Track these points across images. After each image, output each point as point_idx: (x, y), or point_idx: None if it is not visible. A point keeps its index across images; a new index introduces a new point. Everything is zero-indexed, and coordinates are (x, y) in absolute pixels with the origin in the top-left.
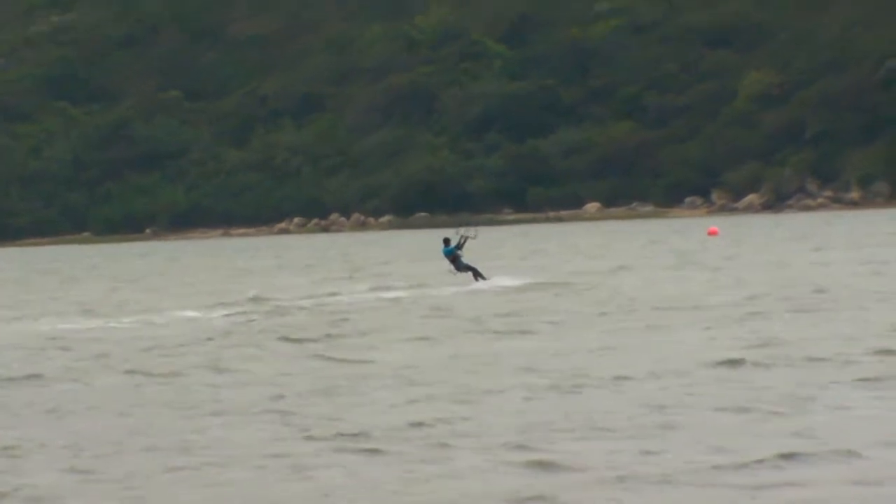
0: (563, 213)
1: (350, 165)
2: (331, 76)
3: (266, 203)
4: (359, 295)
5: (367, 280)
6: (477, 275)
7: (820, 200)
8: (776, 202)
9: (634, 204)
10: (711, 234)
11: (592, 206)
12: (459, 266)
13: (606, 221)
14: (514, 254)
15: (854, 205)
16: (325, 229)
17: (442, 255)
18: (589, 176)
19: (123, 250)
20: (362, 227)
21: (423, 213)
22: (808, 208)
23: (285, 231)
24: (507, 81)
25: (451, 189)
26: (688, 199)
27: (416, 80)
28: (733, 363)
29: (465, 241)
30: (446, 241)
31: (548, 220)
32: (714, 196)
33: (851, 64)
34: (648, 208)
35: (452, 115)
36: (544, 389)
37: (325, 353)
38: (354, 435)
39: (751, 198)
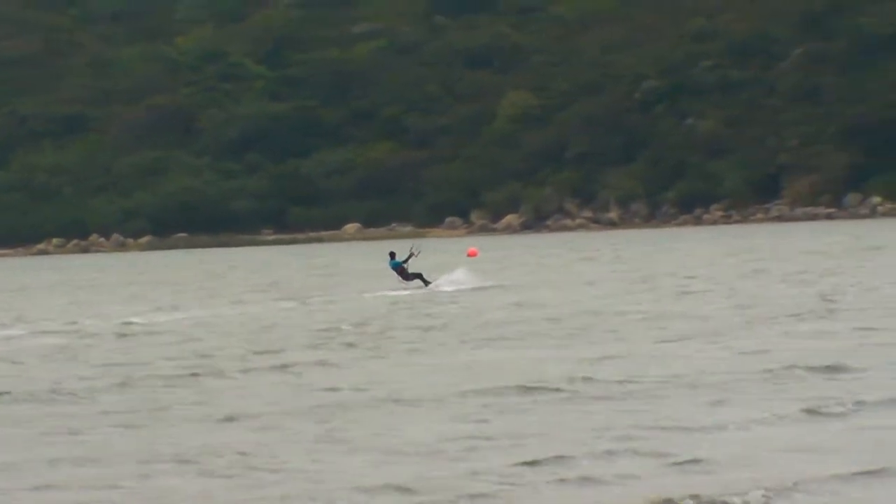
0: (324, 233)
1: (111, 186)
2: (92, 97)
3: (25, 223)
4: None
5: None
6: (424, 281)
7: (579, 220)
8: (535, 222)
9: (394, 224)
10: (471, 255)
11: (352, 227)
12: (407, 276)
13: (366, 242)
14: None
15: (613, 225)
16: (85, 250)
17: (389, 268)
18: (350, 196)
19: None
20: (122, 247)
21: (182, 234)
22: (566, 228)
23: (44, 252)
24: (268, 102)
25: (212, 209)
26: (447, 220)
27: (177, 101)
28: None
29: (410, 256)
30: (392, 255)
31: (308, 240)
32: (473, 216)
33: (610, 85)
34: (408, 228)
35: (213, 136)
36: None
37: None
38: None
39: (509, 218)
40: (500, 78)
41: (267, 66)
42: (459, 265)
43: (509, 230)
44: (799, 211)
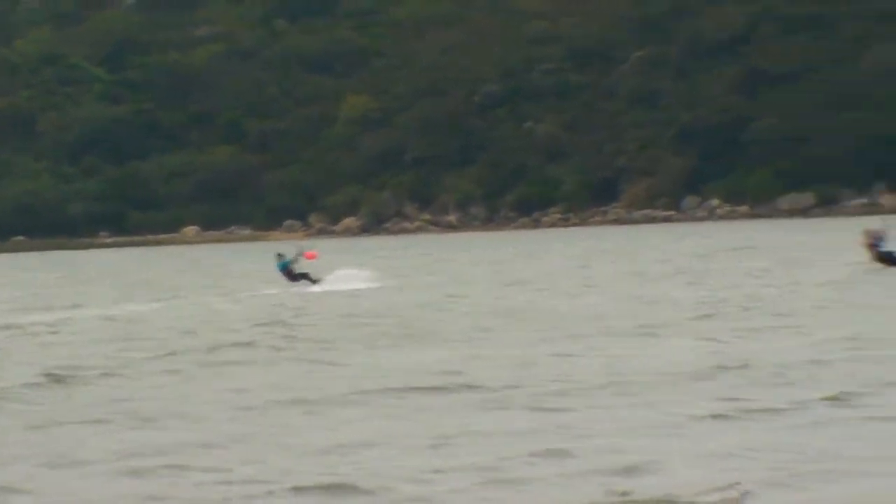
0: (162, 236)
1: None
2: None
3: None
4: None
5: None
6: (311, 280)
7: (418, 223)
8: (374, 225)
9: (233, 227)
10: (308, 258)
11: (190, 230)
12: (295, 277)
13: (205, 245)
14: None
15: (452, 228)
16: None
17: (277, 269)
18: (189, 200)
19: None
20: None
21: (21, 237)
22: (405, 231)
23: None
24: (107, 105)
25: (51, 212)
26: (286, 223)
27: (15, 104)
28: None
29: (298, 256)
30: (280, 256)
31: (146, 243)
32: (312, 219)
33: (449, 89)
34: (247, 232)
35: (51, 139)
36: None
37: None
38: None
39: (348, 221)
40: (339, 82)
41: (106, 69)
42: (342, 265)
43: (348, 233)
44: (637, 214)
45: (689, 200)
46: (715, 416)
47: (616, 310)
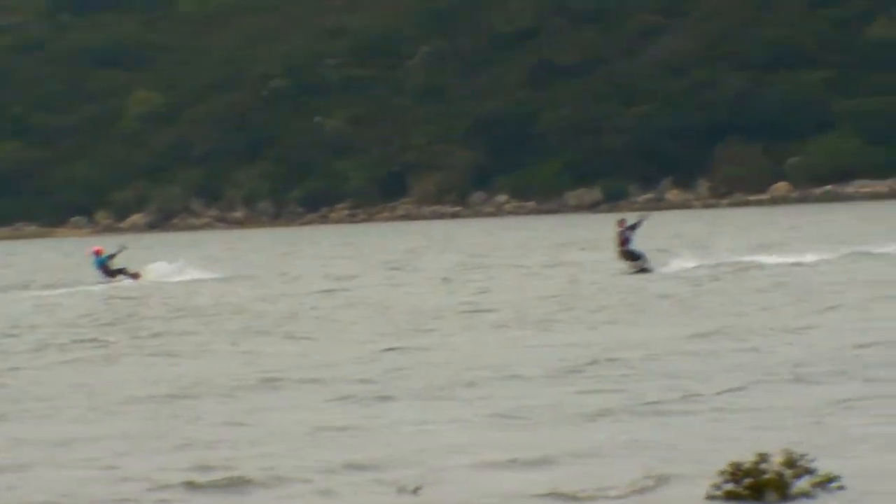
0: None
1: None
2: None
3: None
4: None
5: None
6: (128, 275)
7: (205, 219)
8: (161, 221)
9: (19, 224)
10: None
11: None
12: (112, 273)
13: None
14: None
15: (239, 224)
16: None
17: (94, 265)
18: None
19: None
20: None
21: None
22: (193, 227)
23: None
24: None
25: None
26: (73, 219)
27: None
28: None
29: (119, 252)
30: (97, 252)
31: None
32: (98, 216)
33: (237, 83)
34: (32, 228)
35: None
36: None
37: None
38: None
39: (135, 217)
40: (127, 76)
41: None
42: (157, 259)
43: (135, 229)
44: (426, 209)
45: (477, 196)
46: None
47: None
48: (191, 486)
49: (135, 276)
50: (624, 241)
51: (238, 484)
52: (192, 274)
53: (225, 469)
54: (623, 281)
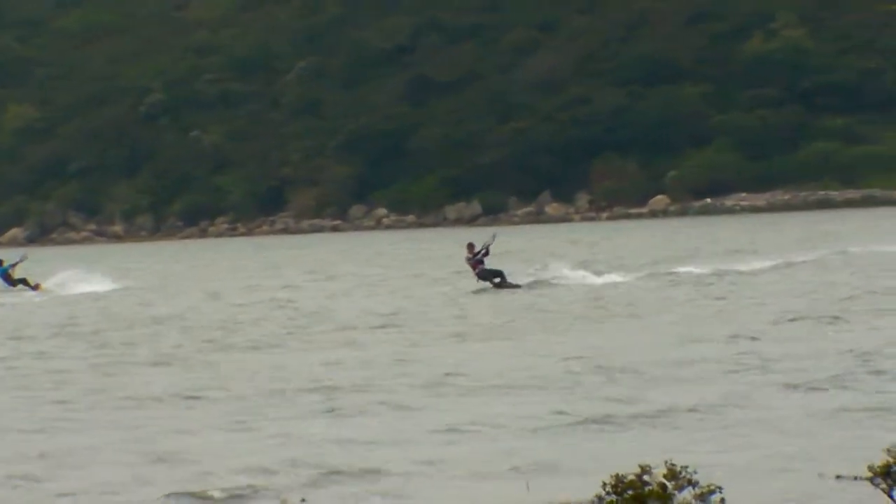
0: None
1: None
2: None
3: None
4: None
5: None
6: (29, 285)
7: (84, 234)
8: (40, 235)
9: None
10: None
11: None
12: (13, 282)
13: None
14: None
15: (118, 238)
16: None
17: None
18: None
19: None
20: None
21: None
22: (71, 241)
23: None
24: None
25: None
26: None
27: None
28: None
29: (18, 262)
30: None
31: None
32: None
33: (114, 98)
34: None
35: None
36: None
37: None
38: None
39: (14, 231)
40: (2, 91)
41: None
42: (60, 270)
43: (14, 243)
44: (305, 223)
45: (356, 210)
46: None
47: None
48: None
49: (36, 286)
50: (475, 265)
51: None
52: (99, 284)
53: None
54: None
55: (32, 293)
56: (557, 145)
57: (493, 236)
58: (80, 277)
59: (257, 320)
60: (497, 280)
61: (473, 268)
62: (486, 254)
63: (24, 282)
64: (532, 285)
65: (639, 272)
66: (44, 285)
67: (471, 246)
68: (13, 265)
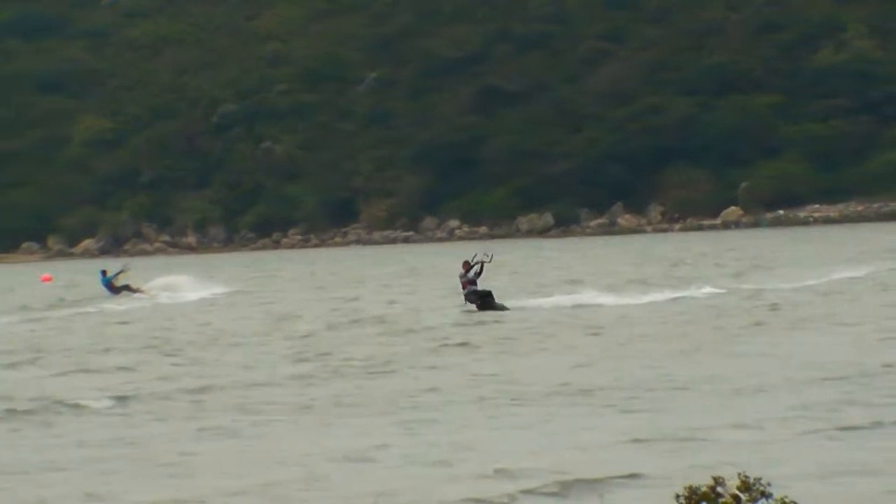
0: None
1: None
2: None
3: None
4: None
5: None
6: (132, 291)
7: (157, 245)
8: (113, 247)
9: None
10: (45, 280)
11: None
12: (117, 290)
13: None
14: None
15: (191, 249)
16: None
17: (101, 284)
18: None
19: None
20: None
21: None
22: (145, 252)
23: None
24: None
25: None
26: (24, 245)
27: None
28: None
29: (119, 272)
30: (103, 272)
31: None
32: (50, 241)
33: (184, 109)
34: None
35: None
36: None
37: None
38: None
39: (87, 242)
40: (73, 102)
41: None
42: (163, 273)
43: (87, 254)
44: (377, 234)
45: (428, 221)
46: None
47: None
48: None
49: (138, 290)
50: (465, 284)
51: None
52: (208, 290)
53: None
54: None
55: (138, 296)
56: (627, 155)
57: (490, 256)
58: (186, 284)
59: (461, 324)
60: (479, 303)
61: (464, 287)
62: (479, 273)
63: (127, 288)
64: (520, 308)
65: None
66: (146, 290)
67: (466, 264)
68: (116, 275)
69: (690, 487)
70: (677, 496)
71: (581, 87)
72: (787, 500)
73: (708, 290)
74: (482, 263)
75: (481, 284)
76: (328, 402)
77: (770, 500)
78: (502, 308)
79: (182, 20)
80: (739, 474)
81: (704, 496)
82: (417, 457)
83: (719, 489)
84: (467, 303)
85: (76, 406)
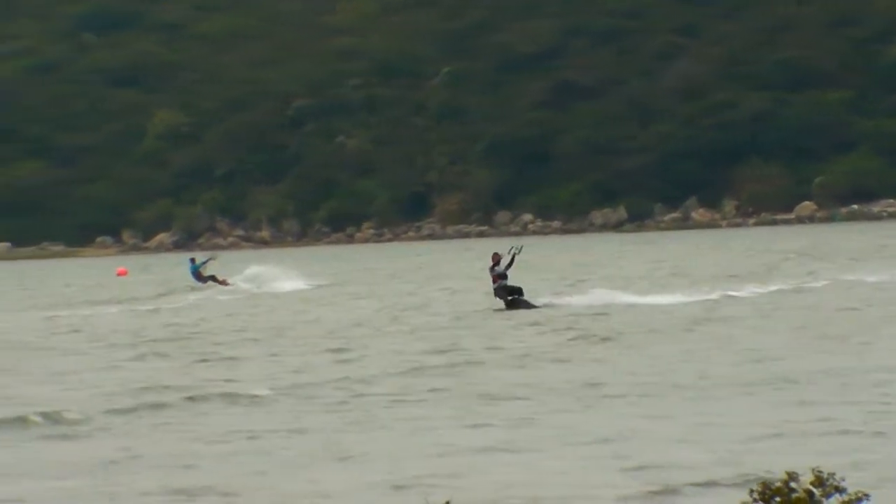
0: None
1: None
2: None
3: None
4: None
5: None
6: (218, 281)
7: (231, 239)
8: (187, 241)
9: (44, 243)
10: (121, 274)
11: (2, 246)
12: (204, 279)
13: (16, 262)
14: None
15: (265, 243)
16: None
17: (189, 272)
18: None
19: None
20: None
21: None
22: (219, 247)
23: None
24: None
25: None
26: (99, 239)
27: None
28: None
29: (208, 261)
30: (192, 260)
31: None
32: (124, 235)
33: (258, 103)
34: (59, 247)
35: None
36: None
37: None
38: None
39: (161, 236)
40: (147, 96)
41: None
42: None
43: (161, 248)
44: (451, 229)
45: (502, 215)
46: None
47: None
48: None
49: (223, 282)
50: (496, 278)
51: None
52: (293, 282)
53: None
54: None
55: (224, 288)
56: (700, 150)
57: (520, 247)
58: (273, 275)
59: (598, 316)
60: (510, 298)
61: (494, 281)
62: (510, 265)
63: (213, 278)
64: (548, 305)
65: None
66: (231, 282)
67: (496, 256)
68: (204, 263)
69: (764, 483)
70: (751, 491)
71: (654, 81)
72: (860, 493)
73: (823, 282)
74: (514, 255)
75: (511, 279)
76: (482, 393)
77: (843, 496)
78: (533, 306)
79: (254, 13)
80: (813, 469)
81: (777, 491)
82: (583, 449)
83: (793, 484)
84: (497, 298)
85: (251, 396)
